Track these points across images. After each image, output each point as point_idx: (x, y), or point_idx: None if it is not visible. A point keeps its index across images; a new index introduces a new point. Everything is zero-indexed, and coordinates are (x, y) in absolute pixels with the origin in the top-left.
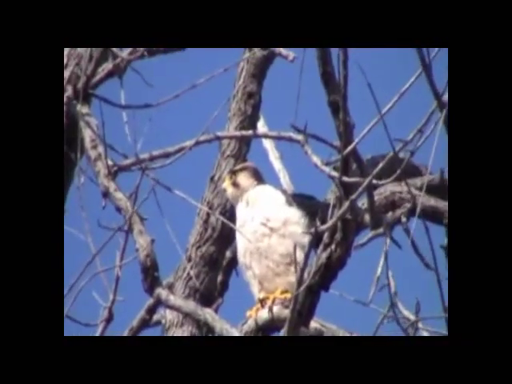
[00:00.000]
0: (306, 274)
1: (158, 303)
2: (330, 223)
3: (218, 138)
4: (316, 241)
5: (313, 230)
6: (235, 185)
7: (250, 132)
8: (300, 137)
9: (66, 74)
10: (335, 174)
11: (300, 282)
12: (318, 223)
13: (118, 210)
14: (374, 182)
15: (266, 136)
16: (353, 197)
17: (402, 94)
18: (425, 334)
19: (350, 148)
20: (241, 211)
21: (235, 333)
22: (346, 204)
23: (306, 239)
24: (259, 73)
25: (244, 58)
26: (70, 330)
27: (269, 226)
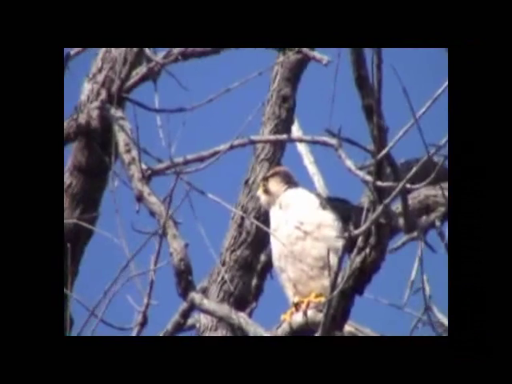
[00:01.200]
0: (339, 278)
1: (192, 307)
2: (363, 227)
3: (253, 142)
4: (350, 245)
5: (347, 234)
6: (267, 192)
7: (284, 136)
8: (334, 141)
9: (100, 77)
10: (369, 178)
11: (334, 286)
12: (352, 227)
13: (152, 214)
14: (408, 186)
15: (300, 140)
16: (386, 201)
17: (436, 98)
18: None
19: (383, 152)
20: (274, 215)
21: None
22: (380, 208)
23: (340, 243)
24: (293, 76)
25: (278, 62)
26: (105, 333)
27: (303, 229)
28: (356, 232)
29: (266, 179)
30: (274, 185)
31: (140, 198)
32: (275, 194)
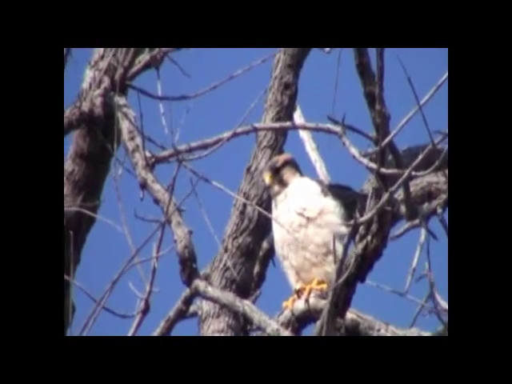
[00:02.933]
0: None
1: (196, 294)
2: (369, 215)
3: (256, 130)
4: (355, 232)
5: (352, 221)
6: (281, 182)
7: (288, 123)
8: (338, 128)
9: (103, 64)
10: (373, 165)
11: (339, 273)
12: (358, 215)
13: (156, 201)
14: (413, 173)
15: (304, 127)
16: (392, 189)
17: (439, 85)
18: None
19: (388, 139)
20: (277, 203)
21: (273, 324)
22: (385, 196)
23: (343, 228)
24: (296, 63)
25: (281, 49)
26: (108, 321)
27: (305, 215)
28: (361, 219)
29: (276, 170)
30: (288, 175)
31: (144, 186)
32: (287, 183)
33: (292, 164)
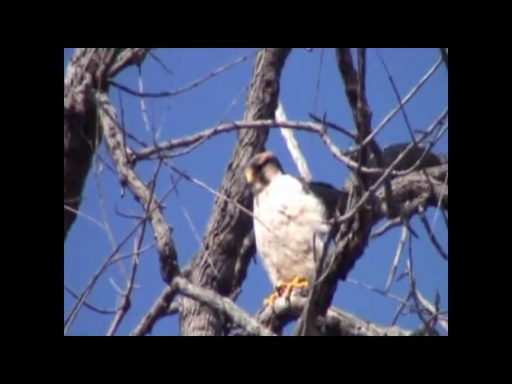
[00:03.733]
0: (324, 264)
1: (176, 291)
2: (349, 214)
3: (237, 127)
4: (335, 230)
5: (332, 220)
6: (263, 180)
7: (269, 121)
8: (319, 127)
9: (85, 60)
10: (354, 164)
11: (319, 271)
12: (338, 213)
13: (137, 198)
14: (394, 172)
15: (285, 125)
16: (373, 188)
17: (420, 84)
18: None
19: (369, 138)
20: (259, 200)
21: (254, 322)
22: (366, 195)
23: (323, 226)
24: (277, 61)
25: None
26: (88, 317)
27: (286, 213)
28: (342, 218)
29: (258, 167)
30: (270, 173)
31: (125, 183)
32: (269, 181)
33: (274, 162)
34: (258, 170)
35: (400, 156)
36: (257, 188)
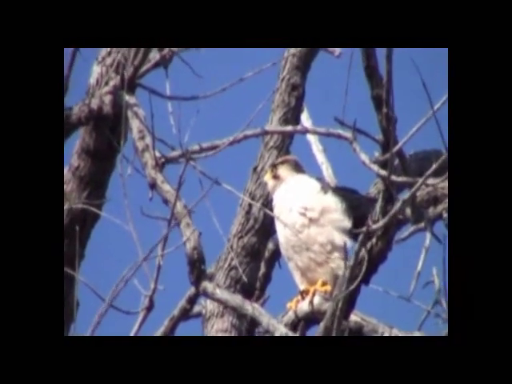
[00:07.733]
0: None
1: (204, 296)
2: (381, 222)
3: (266, 133)
4: (355, 234)
5: (365, 228)
6: (276, 177)
7: (300, 127)
8: (348, 134)
9: (109, 60)
10: (384, 172)
11: (350, 280)
12: (370, 222)
13: (165, 202)
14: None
15: (314, 132)
16: (405, 198)
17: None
18: None
19: (398, 146)
20: (277, 199)
21: (282, 328)
22: (398, 204)
23: (345, 223)
24: (303, 65)
25: (289, 51)
26: (113, 317)
27: (307, 216)
28: (374, 227)
29: (275, 166)
30: (284, 171)
31: (153, 186)
32: (283, 179)
33: (292, 163)
34: (273, 168)
35: (433, 166)
36: (269, 186)
